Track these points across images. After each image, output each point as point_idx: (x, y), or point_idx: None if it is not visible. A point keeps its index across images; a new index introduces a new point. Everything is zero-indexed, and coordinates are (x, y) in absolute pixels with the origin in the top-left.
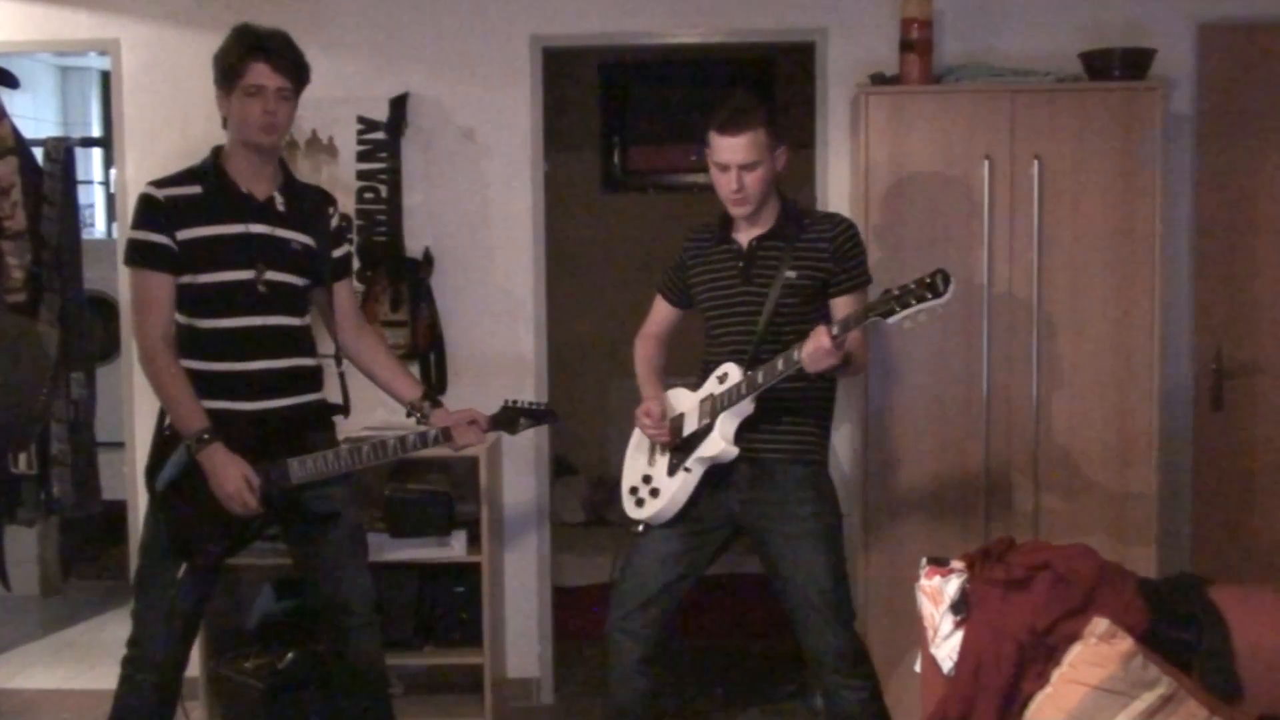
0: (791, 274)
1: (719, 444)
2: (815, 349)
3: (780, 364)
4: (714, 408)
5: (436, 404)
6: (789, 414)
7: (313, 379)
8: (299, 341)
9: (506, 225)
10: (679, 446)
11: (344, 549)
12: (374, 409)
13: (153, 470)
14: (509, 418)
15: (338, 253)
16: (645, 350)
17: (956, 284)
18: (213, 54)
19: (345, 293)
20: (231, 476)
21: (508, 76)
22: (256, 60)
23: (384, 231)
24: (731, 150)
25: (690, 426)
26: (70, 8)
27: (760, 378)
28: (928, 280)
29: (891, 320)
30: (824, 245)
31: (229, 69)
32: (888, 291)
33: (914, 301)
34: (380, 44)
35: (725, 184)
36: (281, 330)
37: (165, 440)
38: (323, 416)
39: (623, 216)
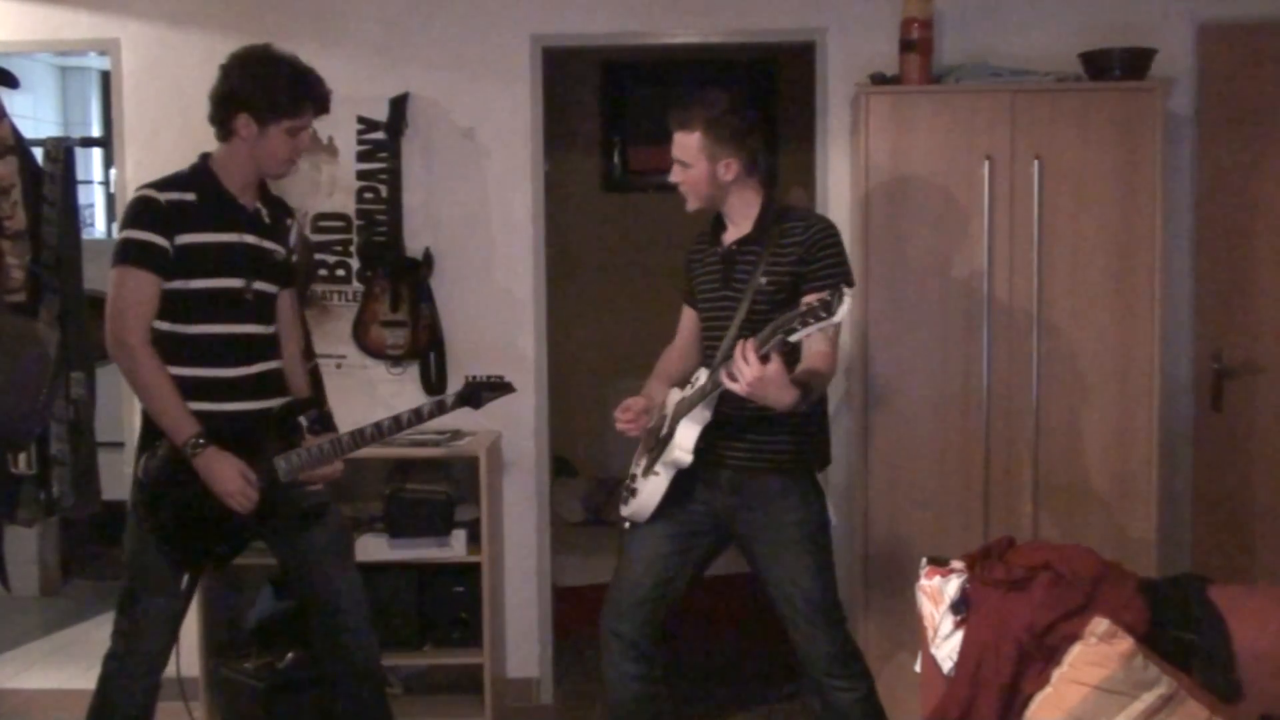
0: (763, 279)
1: (674, 451)
2: (752, 376)
3: (719, 375)
4: (676, 413)
5: (324, 428)
6: (761, 421)
7: (282, 382)
8: (271, 347)
9: (506, 225)
10: (654, 449)
11: (327, 547)
12: (374, 409)
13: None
14: (472, 392)
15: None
16: (663, 359)
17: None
18: (252, 79)
19: (291, 299)
20: (231, 475)
21: (508, 76)
22: (309, 107)
23: (384, 231)
24: (674, 143)
25: (665, 429)
26: (70, 8)
27: (709, 384)
28: (827, 299)
29: (793, 339)
30: (795, 249)
31: (281, 104)
32: (793, 310)
33: (812, 320)
34: (380, 44)
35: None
36: (261, 337)
37: (148, 440)
38: (294, 416)
39: (623, 216)
